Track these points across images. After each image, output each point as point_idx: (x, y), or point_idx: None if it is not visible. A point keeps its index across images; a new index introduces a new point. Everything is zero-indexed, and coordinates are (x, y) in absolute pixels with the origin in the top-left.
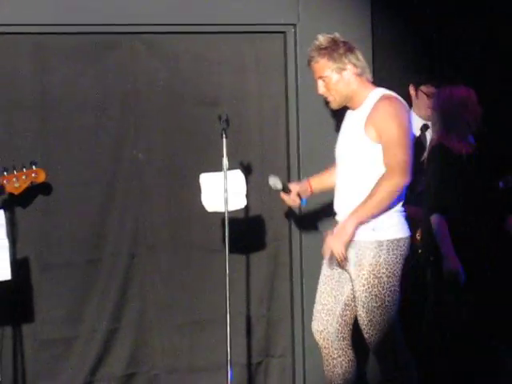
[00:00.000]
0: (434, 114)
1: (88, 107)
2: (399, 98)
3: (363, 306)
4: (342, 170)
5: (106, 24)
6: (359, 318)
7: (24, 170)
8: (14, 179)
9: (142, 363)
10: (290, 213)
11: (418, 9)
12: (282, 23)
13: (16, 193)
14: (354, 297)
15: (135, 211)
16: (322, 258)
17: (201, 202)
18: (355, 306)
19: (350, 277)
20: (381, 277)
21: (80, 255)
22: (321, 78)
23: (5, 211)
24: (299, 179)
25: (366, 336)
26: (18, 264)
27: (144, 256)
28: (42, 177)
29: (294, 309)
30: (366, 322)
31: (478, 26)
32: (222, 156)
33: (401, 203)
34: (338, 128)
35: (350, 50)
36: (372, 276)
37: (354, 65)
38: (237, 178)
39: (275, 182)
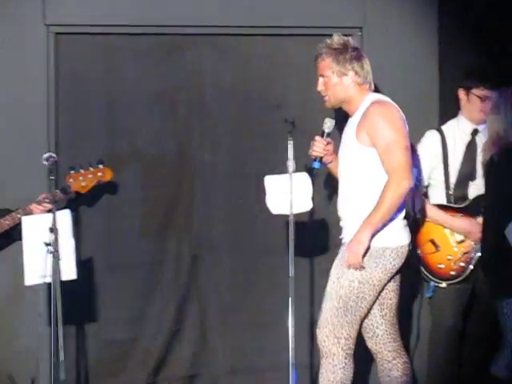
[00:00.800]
0: (494, 117)
1: (155, 108)
2: (392, 102)
3: (326, 301)
4: (341, 176)
5: (175, 25)
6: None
7: (90, 168)
8: (81, 178)
9: (204, 364)
10: None
11: (484, 12)
12: (348, 26)
13: (82, 192)
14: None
15: (199, 213)
16: None
17: (265, 204)
18: (390, 303)
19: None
20: (353, 281)
21: (144, 256)
22: (322, 76)
23: (71, 210)
24: None
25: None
26: (83, 264)
27: (207, 257)
28: (108, 176)
29: None
30: (321, 316)
31: None
32: (288, 158)
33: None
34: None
35: (357, 57)
36: (344, 277)
37: (356, 72)
38: (303, 180)
39: (331, 125)
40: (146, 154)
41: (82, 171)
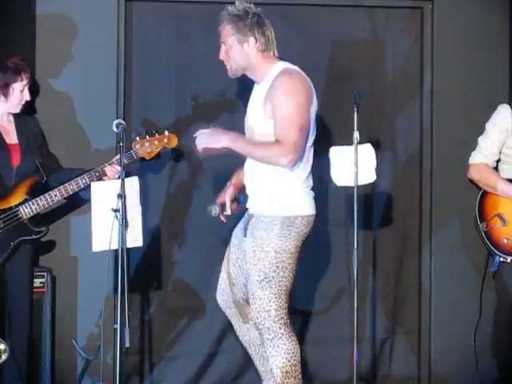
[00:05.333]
0: None
1: (224, 79)
2: (301, 72)
3: (248, 279)
4: None
5: None
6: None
7: (156, 135)
8: (147, 144)
9: None
10: (421, 189)
11: None
12: None
13: (148, 158)
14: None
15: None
16: (451, 235)
17: (330, 176)
18: None
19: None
20: (268, 251)
21: (209, 226)
22: (223, 43)
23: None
24: (431, 157)
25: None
26: (149, 231)
27: None
28: (174, 142)
29: (421, 287)
30: (249, 295)
31: None
32: (354, 130)
33: (305, 179)
34: (472, 106)
35: (257, 23)
36: (259, 249)
37: (257, 39)
38: (367, 152)
39: (212, 209)
40: (211, 123)
41: (147, 137)
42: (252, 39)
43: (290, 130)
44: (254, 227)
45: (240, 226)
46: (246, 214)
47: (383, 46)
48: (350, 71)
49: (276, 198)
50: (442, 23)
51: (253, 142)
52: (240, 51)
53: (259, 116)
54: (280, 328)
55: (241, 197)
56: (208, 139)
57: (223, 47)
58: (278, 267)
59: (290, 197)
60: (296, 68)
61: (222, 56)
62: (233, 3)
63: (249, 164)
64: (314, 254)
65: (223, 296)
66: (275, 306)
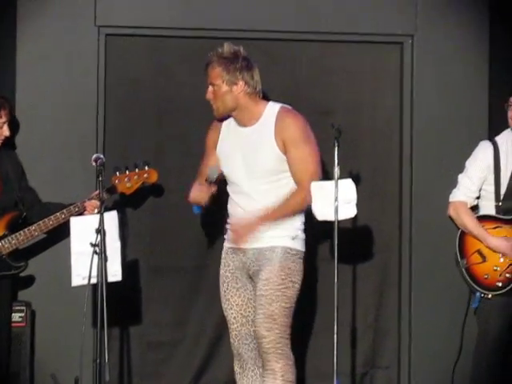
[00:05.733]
0: None
1: (203, 111)
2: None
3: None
4: (251, 185)
5: (223, 29)
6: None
7: (136, 170)
8: (126, 179)
9: None
10: (400, 223)
11: None
12: (399, 34)
13: (128, 193)
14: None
15: None
16: (431, 269)
17: (311, 211)
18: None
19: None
20: (296, 282)
21: (189, 259)
22: (212, 84)
23: (117, 212)
24: (411, 192)
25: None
26: (129, 266)
27: None
28: (154, 177)
29: (401, 320)
30: (263, 321)
31: None
32: (334, 165)
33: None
34: (452, 142)
35: (247, 67)
36: (288, 279)
37: (246, 82)
38: (348, 187)
39: (212, 172)
40: (192, 157)
41: (127, 172)
42: (241, 82)
43: (308, 171)
44: (279, 258)
45: (234, 264)
46: (230, 253)
47: (363, 81)
48: (330, 106)
49: (297, 234)
50: (421, 58)
51: (277, 207)
52: (229, 93)
53: (274, 156)
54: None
55: (198, 208)
56: (244, 232)
57: (211, 88)
58: (296, 300)
59: (302, 233)
60: (290, 107)
61: (209, 96)
62: (230, 39)
63: (253, 202)
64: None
65: (246, 340)
66: (287, 335)
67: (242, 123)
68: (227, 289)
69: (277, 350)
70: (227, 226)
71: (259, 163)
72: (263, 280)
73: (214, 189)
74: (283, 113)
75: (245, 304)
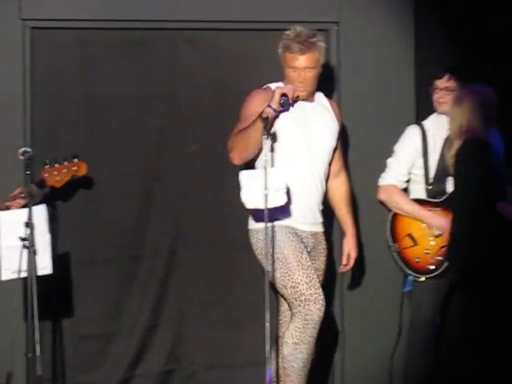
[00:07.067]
0: (457, 109)
1: (130, 102)
2: None
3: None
4: (314, 163)
5: (148, 20)
6: None
7: (65, 163)
8: (56, 172)
9: (180, 359)
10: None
11: (461, 6)
12: (324, 21)
13: (57, 186)
14: None
15: (176, 208)
16: (363, 255)
17: (241, 200)
18: None
19: None
20: None
21: (121, 251)
22: (309, 68)
23: (46, 205)
24: None
25: None
26: (59, 259)
27: (184, 253)
28: (83, 170)
29: (333, 307)
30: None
31: None
32: (264, 154)
33: None
34: (379, 127)
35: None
36: None
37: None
38: (277, 175)
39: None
40: (121, 149)
41: (56, 166)
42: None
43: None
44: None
45: (308, 243)
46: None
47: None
48: None
49: None
50: (347, 45)
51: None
52: (318, 76)
53: (336, 134)
54: None
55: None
56: None
57: (310, 72)
58: None
59: None
60: None
61: (307, 81)
62: (156, 29)
63: (309, 183)
64: (229, 278)
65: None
66: None
67: (307, 99)
68: None
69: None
70: None
71: (329, 136)
72: None
73: None
74: (330, 100)
75: None
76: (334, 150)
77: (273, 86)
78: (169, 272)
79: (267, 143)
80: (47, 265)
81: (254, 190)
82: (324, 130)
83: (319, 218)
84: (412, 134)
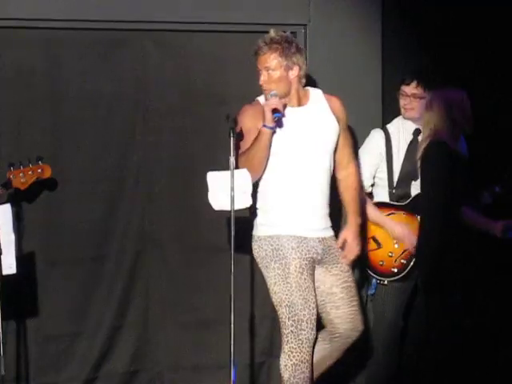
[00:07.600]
0: (429, 113)
1: (98, 104)
2: None
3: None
4: (313, 169)
5: (118, 21)
6: None
7: (30, 165)
8: (21, 174)
9: (145, 360)
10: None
11: (428, 11)
12: (292, 23)
13: (22, 188)
14: None
15: (142, 208)
16: None
17: (208, 201)
18: None
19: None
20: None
21: (86, 251)
22: (267, 69)
23: (11, 206)
24: None
25: None
26: (24, 259)
27: (150, 253)
28: (47, 173)
29: None
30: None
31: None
32: (230, 155)
33: None
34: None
35: (299, 50)
36: None
37: (300, 67)
38: (243, 176)
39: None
40: (88, 151)
41: (21, 168)
42: (296, 67)
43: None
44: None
45: (316, 250)
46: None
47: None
48: (224, 96)
49: None
50: (315, 48)
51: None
52: (285, 78)
53: (336, 129)
54: None
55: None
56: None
57: (265, 73)
58: None
59: None
60: None
61: (264, 82)
62: (125, 30)
63: (312, 188)
64: (195, 279)
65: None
66: None
67: (291, 104)
68: None
69: None
70: None
71: (324, 135)
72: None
73: None
74: (330, 95)
75: None
76: (337, 144)
77: (261, 99)
78: (134, 272)
79: (232, 143)
80: (12, 264)
81: (220, 192)
82: (320, 131)
83: (326, 223)
84: (376, 137)
